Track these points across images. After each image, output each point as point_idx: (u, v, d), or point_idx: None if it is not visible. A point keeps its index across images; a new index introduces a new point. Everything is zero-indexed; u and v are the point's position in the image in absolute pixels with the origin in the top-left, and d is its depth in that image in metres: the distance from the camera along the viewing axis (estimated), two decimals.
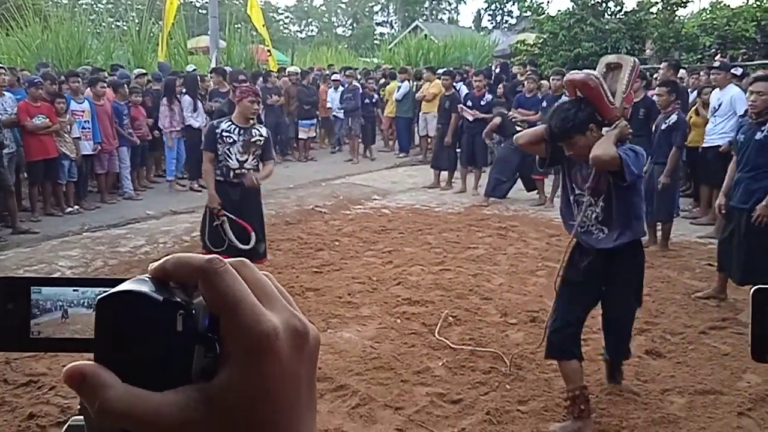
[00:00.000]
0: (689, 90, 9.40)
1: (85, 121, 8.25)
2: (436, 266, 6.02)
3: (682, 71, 10.17)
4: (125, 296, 0.39)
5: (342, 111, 12.96)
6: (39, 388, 3.64)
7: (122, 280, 0.43)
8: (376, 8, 58.06)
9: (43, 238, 6.88)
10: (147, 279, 0.41)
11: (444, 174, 10.08)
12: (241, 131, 4.96)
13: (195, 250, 6.51)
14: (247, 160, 5.00)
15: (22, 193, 8.11)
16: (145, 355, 0.39)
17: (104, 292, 0.42)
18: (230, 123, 4.98)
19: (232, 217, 4.97)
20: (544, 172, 8.88)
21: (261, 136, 5.05)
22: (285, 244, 6.71)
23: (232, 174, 4.98)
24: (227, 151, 4.95)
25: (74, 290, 0.45)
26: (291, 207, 8.49)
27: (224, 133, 4.94)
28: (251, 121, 5.02)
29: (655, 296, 5.27)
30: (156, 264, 0.42)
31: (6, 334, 0.45)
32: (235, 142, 4.94)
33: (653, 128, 6.68)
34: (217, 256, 0.41)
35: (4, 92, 7.04)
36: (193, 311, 0.40)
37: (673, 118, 6.38)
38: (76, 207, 8.21)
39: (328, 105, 13.38)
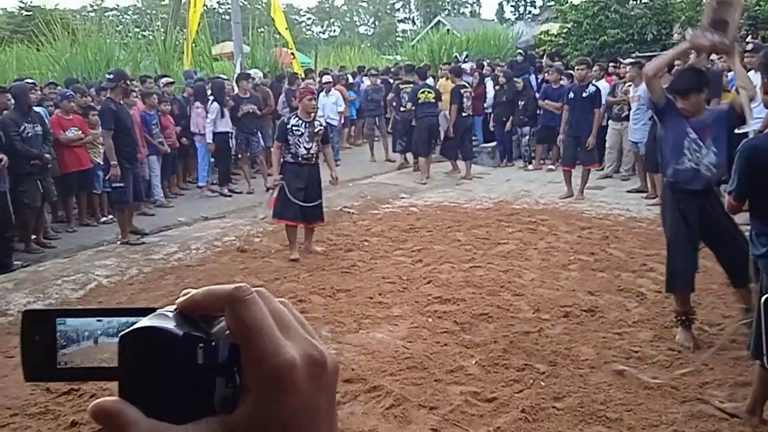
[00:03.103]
0: (724, 72, 9.18)
1: None
2: (466, 263, 6.00)
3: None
4: (147, 332, 0.41)
5: (334, 119, 11.99)
6: (80, 396, 3.73)
7: (144, 310, 0.45)
8: (398, 5, 58.01)
9: (79, 249, 7.03)
10: (168, 313, 0.43)
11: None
12: (306, 124, 6.15)
13: (227, 255, 6.60)
14: (312, 147, 6.21)
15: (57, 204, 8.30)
16: (168, 389, 0.40)
17: (127, 322, 0.44)
18: (297, 118, 6.18)
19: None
20: (572, 164, 8.81)
21: (321, 126, 6.31)
22: (315, 245, 6.75)
23: (301, 158, 6.19)
24: (297, 141, 6.14)
25: (98, 320, 0.46)
26: None
27: (294, 127, 6.13)
28: (312, 115, 6.20)
29: None
30: (185, 297, 0.43)
31: (35, 365, 0.47)
32: (302, 134, 6.13)
33: None
34: (245, 284, 0.42)
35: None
36: (213, 343, 0.41)
37: None
38: (111, 216, 8.36)
39: (320, 113, 11.08)
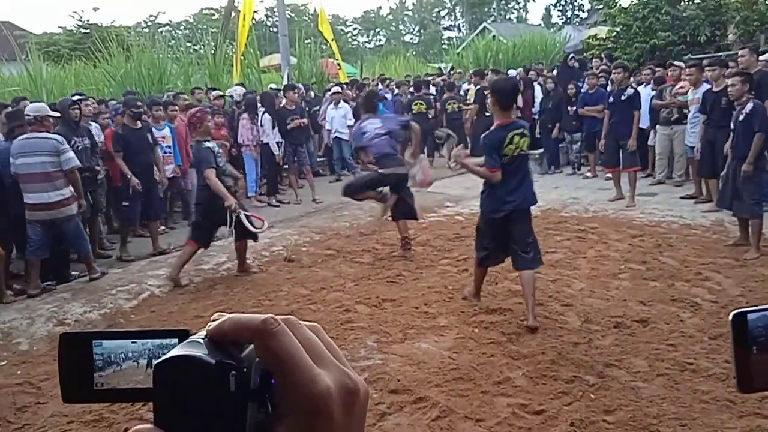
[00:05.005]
0: None
1: (167, 146, 8.60)
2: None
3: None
4: (180, 361, 0.41)
5: (344, 133, 11.11)
6: (133, 404, 3.81)
7: (178, 332, 0.45)
8: (443, 13, 58.00)
9: (133, 259, 7.24)
10: (200, 341, 0.43)
11: None
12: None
13: (274, 265, 6.69)
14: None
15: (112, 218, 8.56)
16: (202, 416, 0.41)
17: (161, 344, 0.45)
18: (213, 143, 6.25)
19: (247, 213, 6.26)
20: (617, 164, 8.75)
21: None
22: (361, 255, 6.78)
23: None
24: (223, 167, 6.14)
25: (133, 342, 0.48)
26: (365, 218, 8.56)
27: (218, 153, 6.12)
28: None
29: (749, 296, 4.99)
30: (214, 324, 0.44)
31: (72, 387, 0.48)
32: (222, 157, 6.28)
33: (731, 124, 6.42)
34: (271, 316, 0.43)
35: (90, 122, 7.44)
36: (245, 369, 0.42)
37: (749, 105, 6.11)
38: (162, 228, 8.57)
39: (327, 126, 11.43)
